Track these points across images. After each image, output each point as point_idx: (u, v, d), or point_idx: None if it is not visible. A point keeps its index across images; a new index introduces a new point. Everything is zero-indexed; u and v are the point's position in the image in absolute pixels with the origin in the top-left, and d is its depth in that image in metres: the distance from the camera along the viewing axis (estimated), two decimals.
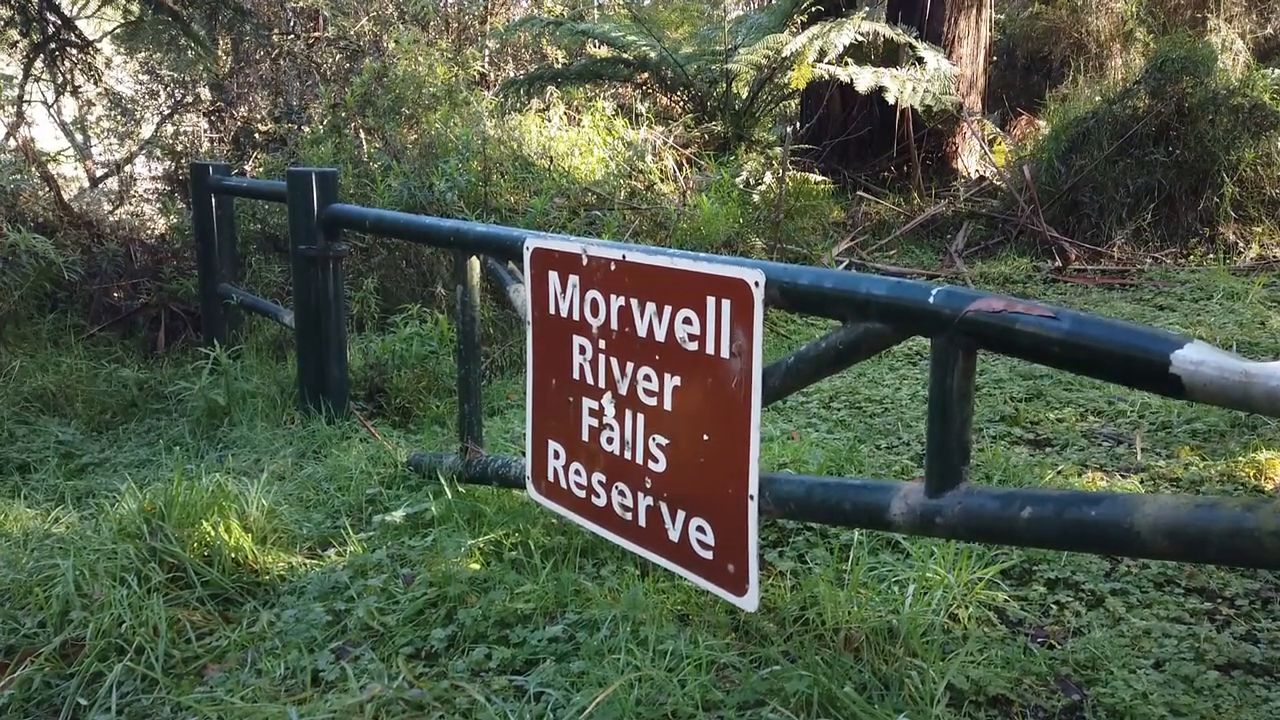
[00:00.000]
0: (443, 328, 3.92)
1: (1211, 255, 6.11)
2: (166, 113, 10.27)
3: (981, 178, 8.29)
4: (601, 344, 2.03)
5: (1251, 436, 3.06)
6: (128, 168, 10.07)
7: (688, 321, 1.79)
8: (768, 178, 7.10)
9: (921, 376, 4.03)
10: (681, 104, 8.64)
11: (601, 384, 2.03)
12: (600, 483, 2.07)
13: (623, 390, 1.98)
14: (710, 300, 1.74)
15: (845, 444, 3.04)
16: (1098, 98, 7.22)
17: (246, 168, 8.48)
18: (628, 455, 1.97)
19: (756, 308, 1.65)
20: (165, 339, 5.11)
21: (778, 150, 7.48)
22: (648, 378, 1.90)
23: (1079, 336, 1.21)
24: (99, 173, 10.14)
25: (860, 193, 7.83)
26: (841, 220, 7.46)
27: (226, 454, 3.30)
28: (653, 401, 1.90)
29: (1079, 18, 10.79)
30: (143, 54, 10.53)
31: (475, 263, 2.56)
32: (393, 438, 3.37)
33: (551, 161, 6.19)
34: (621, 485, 2.01)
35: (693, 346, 1.79)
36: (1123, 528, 1.16)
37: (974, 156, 8.60)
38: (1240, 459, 2.86)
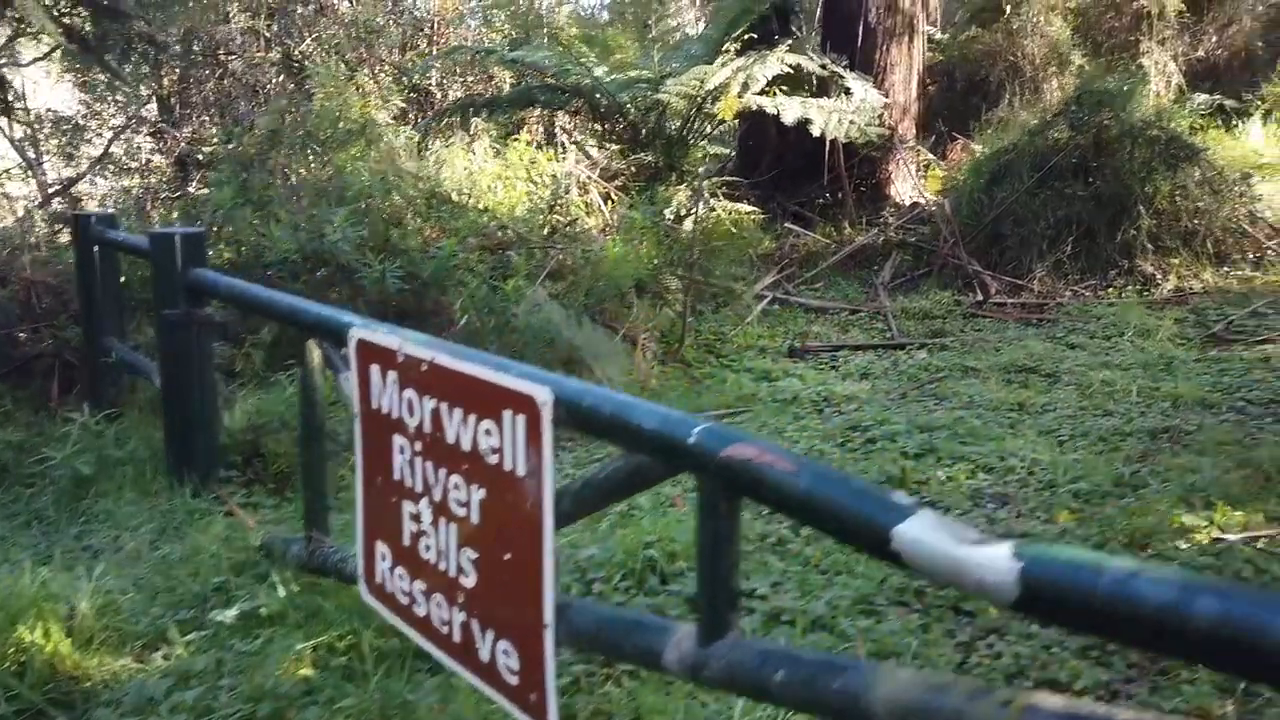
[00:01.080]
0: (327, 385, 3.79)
1: (1131, 287, 6.15)
2: (114, 132, 10.04)
3: (915, 204, 8.31)
4: (418, 446, 1.94)
5: (1132, 500, 3.04)
6: (78, 186, 9.80)
7: (489, 433, 1.70)
8: (699, 207, 7.06)
9: None
10: (615, 133, 8.59)
11: (419, 488, 1.94)
12: (421, 591, 1.97)
13: (437, 497, 1.89)
14: (507, 414, 1.65)
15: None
16: (1022, 129, 7.26)
17: (191, 188, 8.31)
18: (443, 566, 1.88)
19: (545, 427, 1.56)
20: (59, 391, 4.93)
21: (706, 184, 7.45)
22: (457, 487, 1.81)
23: (815, 497, 1.14)
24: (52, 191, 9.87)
25: (788, 224, 7.81)
26: (771, 251, 7.44)
27: (87, 530, 3.16)
28: (463, 513, 1.81)
29: (1014, 41, 10.89)
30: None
31: (314, 344, 2.46)
32: (264, 509, 3.25)
33: (471, 197, 6.09)
34: (438, 596, 1.92)
35: (494, 460, 1.70)
36: (859, 705, 1.10)
37: (908, 183, 8.63)
38: (1118, 524, 2.82)
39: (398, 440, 2.01)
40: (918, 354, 5.21)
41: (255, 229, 4.88)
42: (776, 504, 1.21)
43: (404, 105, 8.67)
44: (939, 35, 12.35)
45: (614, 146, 8.03)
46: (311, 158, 5.71)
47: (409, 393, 1.95)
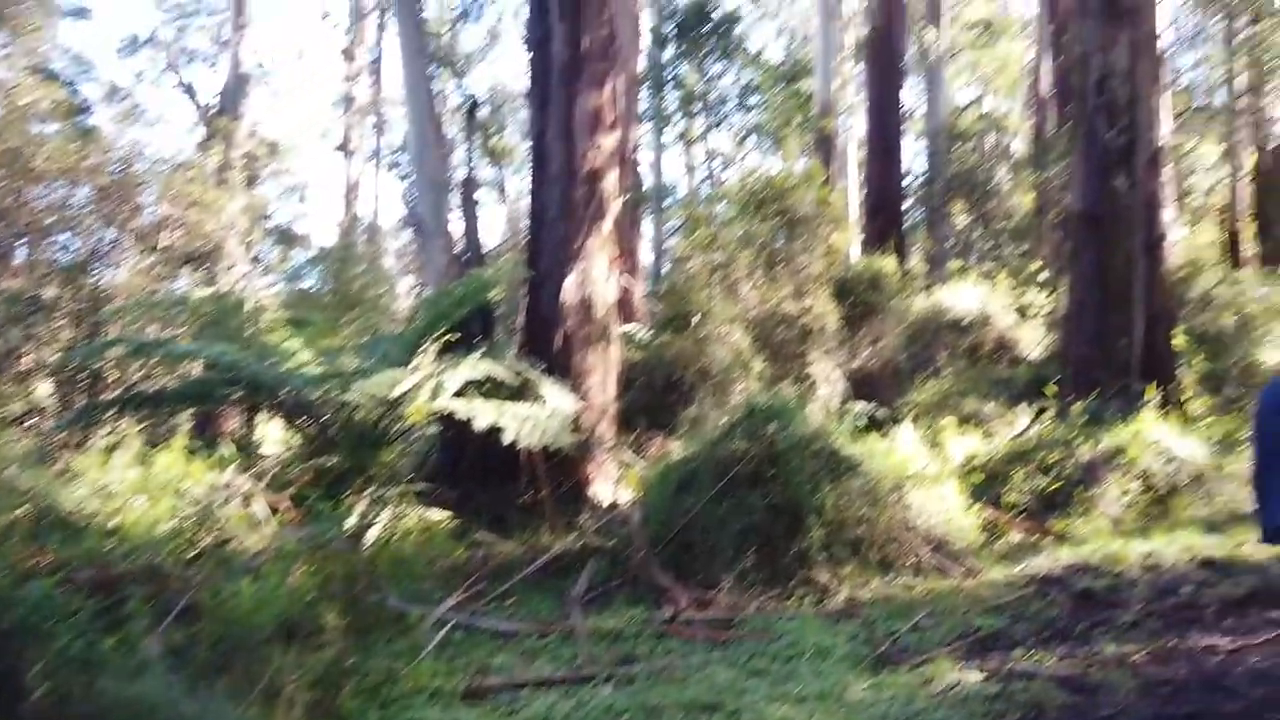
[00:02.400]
0: None
1: (809, 597, 6.28)
2: None
3: (614, 505, 8.32)
4: None
5: None
6: None
7: None
8: (385, 515, 6.55)
9: None
10: (301, 430, 8.05)
11: None
12: None
13: None
14: None
15: None
16: (704, 438, 7.60)
17: None
18: None
19: None
20: None
21: (397, 489, 7.02)
22: None
23: None
24: None
25: (481, 533, 7.47)
26: (462, 563, 6.99)
27: None
28: None
29: (702, 347, 11.86)
30: None
31: None
32: None
33: (97, 517, 5.21)
34: None
35: None
36: None
37: (607, 485, 8.68)
38: None
39: None
40: (604, 689, 4.84)
41: None
42: None
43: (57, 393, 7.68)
44: (642, 333, 13.29)
45: (295, 447, 7.46)
46: None
47: None
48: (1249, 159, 14.15)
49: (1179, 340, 10.87)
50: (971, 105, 26.85)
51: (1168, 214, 11.57)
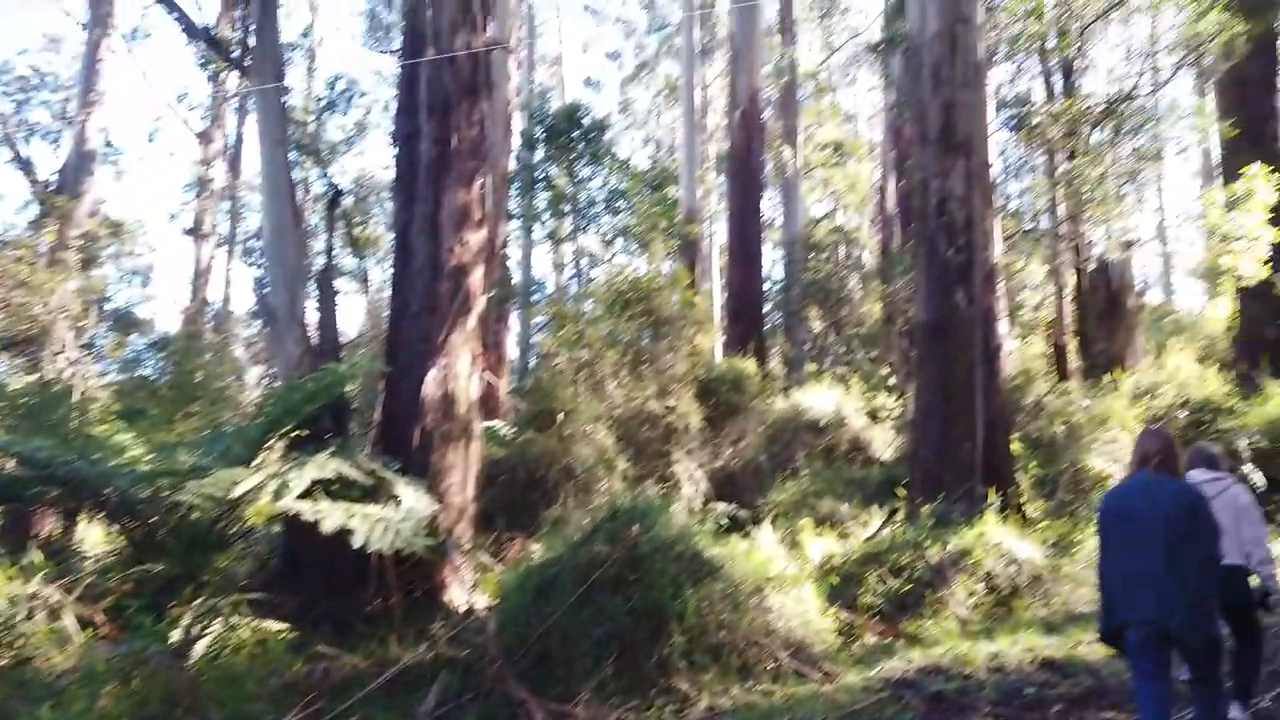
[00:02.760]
0: None
1: (670, 707, 6.11)
2: None
3: (470, 611, 7.96)
4: None
5: None
6: None
7: None
8: (216, 627, 6.02)
9: None
10: (126, 532, 7.37)
11: None
12: None
13: None
14: None
15: None
16: (566, 541, 7.42)
17: None
18: None
19: None
20: None
21: (230, 598, 6.49)
22: None
23: None
24: None
25: (323, 645, 6.97)
26: (302, 678, 6.46)
27: None
28: None
29: (567, 445, 11.73)
30: None
31: None
32: None
33: None
34: None
35: None
36: None
37: (463, 590, 8.32)
38: None
39: None
40: None
41: None
42: None
43: None
44: (506, 430, 13.04)
45: (118, 551, 6.81)
46: None
47: None
48: (1071, 279, 15.48)
49: (1015, 446, 11.54)
50: (825, 218, 28.51)
51: (1002, 327, 12.43)
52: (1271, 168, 14.40)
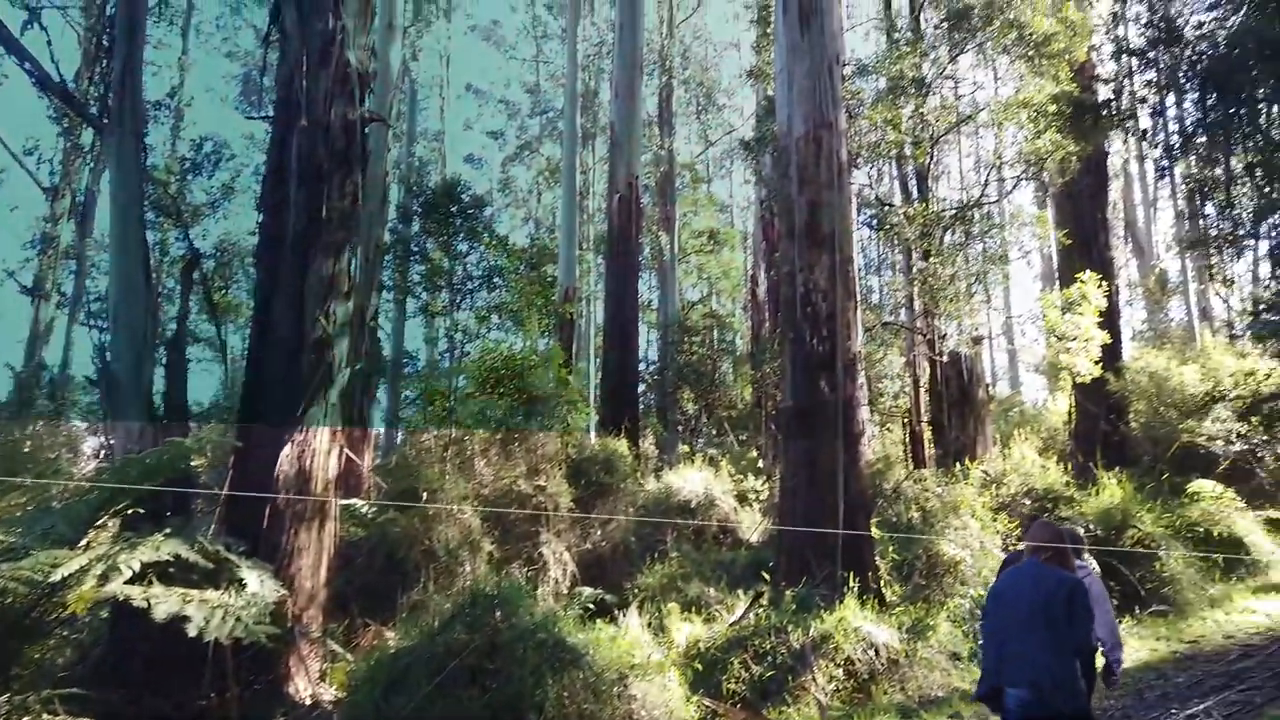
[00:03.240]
0: None
1: None
2: None
3: (315, 705, 7.46)
4: None
5: None
6: None
7: None
8: None
9: None
10: None
11: None
12: None
13: None
14: None
15: None
16: (423, 630, 7.10)
17: None
18: None
19: None
20: None
21: (42, 694, 5.85)
22: None
23: None
24: None
25: None
26: None
27: None
28: None
29: (430, 526, 11.33)
30: None
31: None
32: None
33: None
34: None
35: None
36: None
37: (310, 680, 7.80)
38: None
39: None
40: None
41: None
42: None
43: None
44: (366, 509, 12.49)
45: None
46: None
47: None
48: (926, 370, 16.29)
49: (875, 530, 11.87)
50: (699, 303, 29.26)
51: (863, 414, 12.88)
52: (1101, 276, 15.73)
